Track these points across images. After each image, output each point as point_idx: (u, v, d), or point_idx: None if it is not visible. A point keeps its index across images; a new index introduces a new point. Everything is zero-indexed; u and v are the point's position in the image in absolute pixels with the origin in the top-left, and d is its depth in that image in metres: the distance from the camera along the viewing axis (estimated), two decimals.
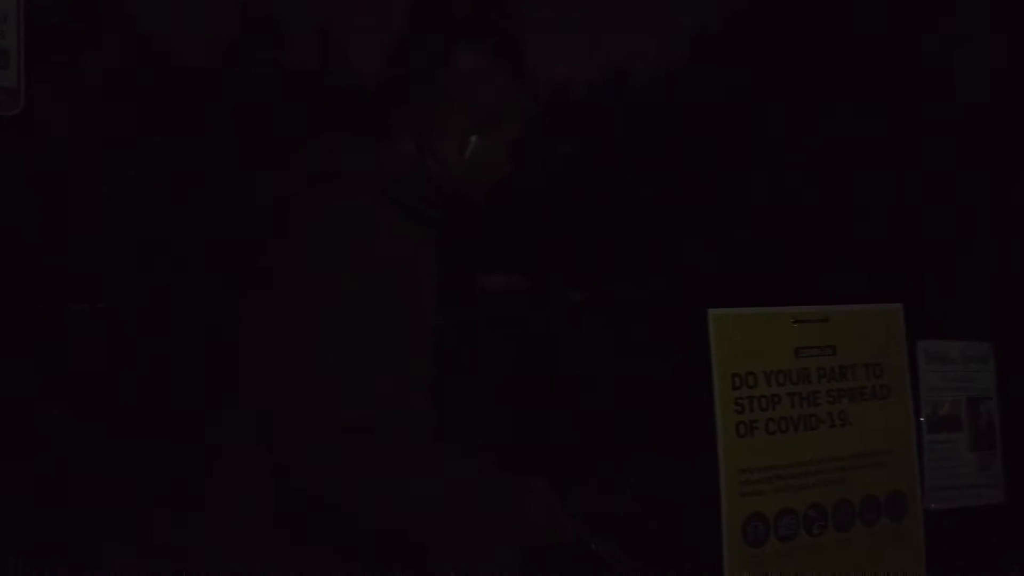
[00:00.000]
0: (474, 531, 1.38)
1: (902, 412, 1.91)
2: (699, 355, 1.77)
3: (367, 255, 1.28)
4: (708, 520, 1.74)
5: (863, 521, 1.84)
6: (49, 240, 11.64)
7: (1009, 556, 2.15)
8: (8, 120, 2.28)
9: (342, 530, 1.34)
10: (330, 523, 1.33)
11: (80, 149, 13.70)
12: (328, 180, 1.34)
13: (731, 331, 1.76)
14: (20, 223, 10.25)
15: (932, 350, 2.04)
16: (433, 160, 1.44)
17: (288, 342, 1.30)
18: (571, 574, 1.67)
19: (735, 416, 1.75)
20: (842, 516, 1.82)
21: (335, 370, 1.27)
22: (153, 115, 15.22)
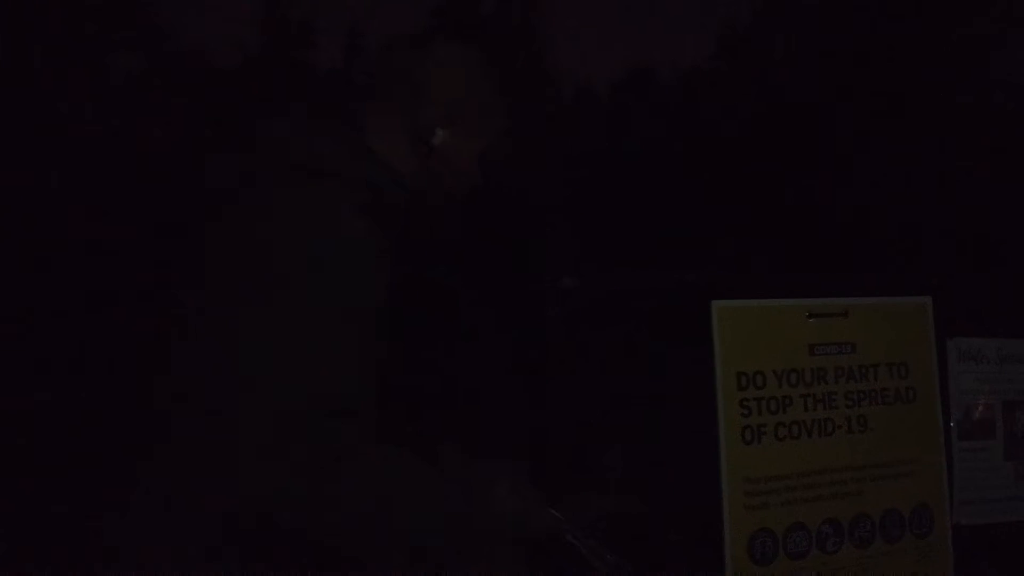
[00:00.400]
0: (436, 530, 1.27)
1: (930, 417, 1.73)
2: (703, 351, 1.60)
3: (344, 262, 1.25)
4: (714, 532, 1.58)
5: (884, 538, 1.66)
6: None
7: None
8: None
9: (292, 540, 1.23)
10: (280, 535, 1.23)
11: None
12: (313, 179, 1.30)
13: (737, 325, 1.58)
14: None
15: (964, 348, 1.84)
16: (400, 150, 1.41)
17: (255, 341, 1.23)
18: (549, 569, 1.49)
19: (741, 419, 1.57)
20: (860, 532, 1.64)
21: (298, 371, 1.21)
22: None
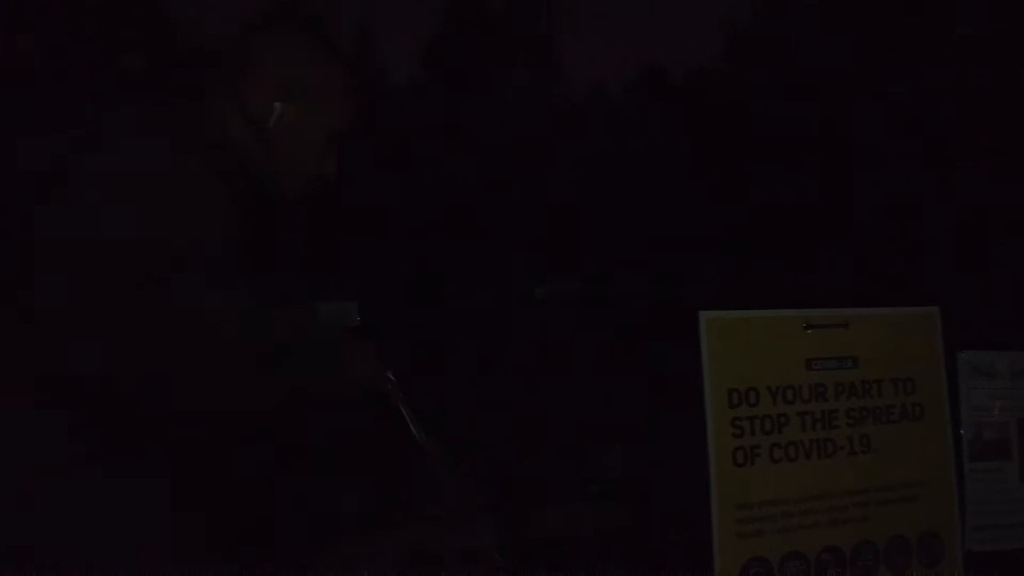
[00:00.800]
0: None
1: (938, 436, 1.60)
2: (690, 364, 1.48)
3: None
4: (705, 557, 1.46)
5: (889, 567, 1.54)
6: None
7: None
8: None
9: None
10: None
11: None
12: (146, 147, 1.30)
13: (728, 337, 1.46)
14: None
15: (976, 362, 1.71)
16: (239, 125, 1.42)
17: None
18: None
19: (732, 440, 1.45)
20: (863, 561, 1.52)
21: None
22: None
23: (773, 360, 1.49)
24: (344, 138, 1.48)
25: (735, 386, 1.46)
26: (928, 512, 1.58)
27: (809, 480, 1.50)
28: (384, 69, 17.71)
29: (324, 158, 1.47)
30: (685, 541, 1.65)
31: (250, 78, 1.41)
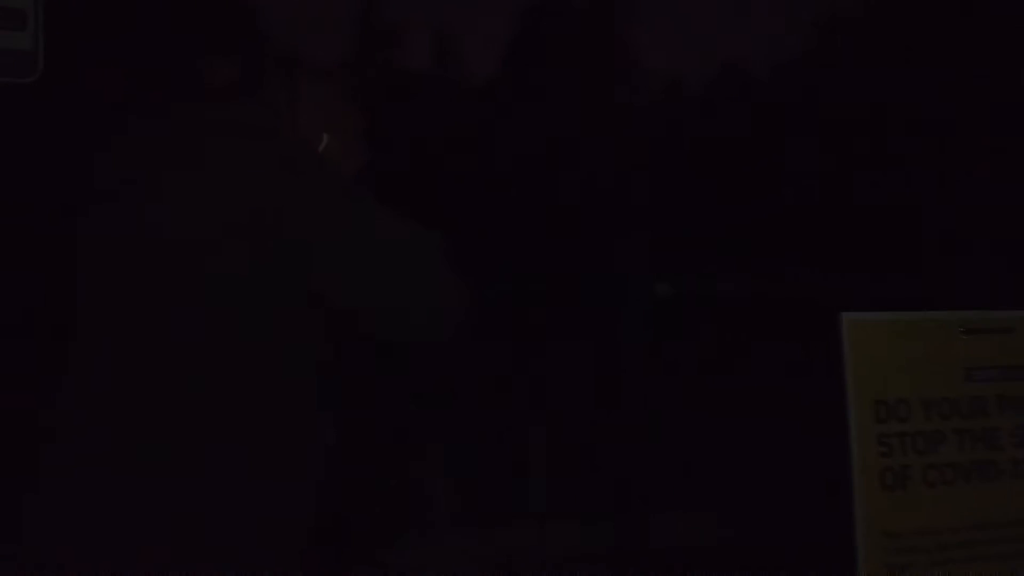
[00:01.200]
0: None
1: None
2: (828, 371, 1.31)
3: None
4: None
5: None
6: None
7: None
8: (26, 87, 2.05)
9: None
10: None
11: None
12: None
13: (875, 343, 1.29)
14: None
15: None
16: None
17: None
18: None
19: (879, 460, 1.28)
20: None
21: None
22: None
23: (926, 369, 1.31)
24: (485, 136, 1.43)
25: (883, 397, 1.29)
26: None
27: (968, 507, 1.31)
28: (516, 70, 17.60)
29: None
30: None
31: (303, 111, 1.39)
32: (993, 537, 1.32)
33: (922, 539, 1.29)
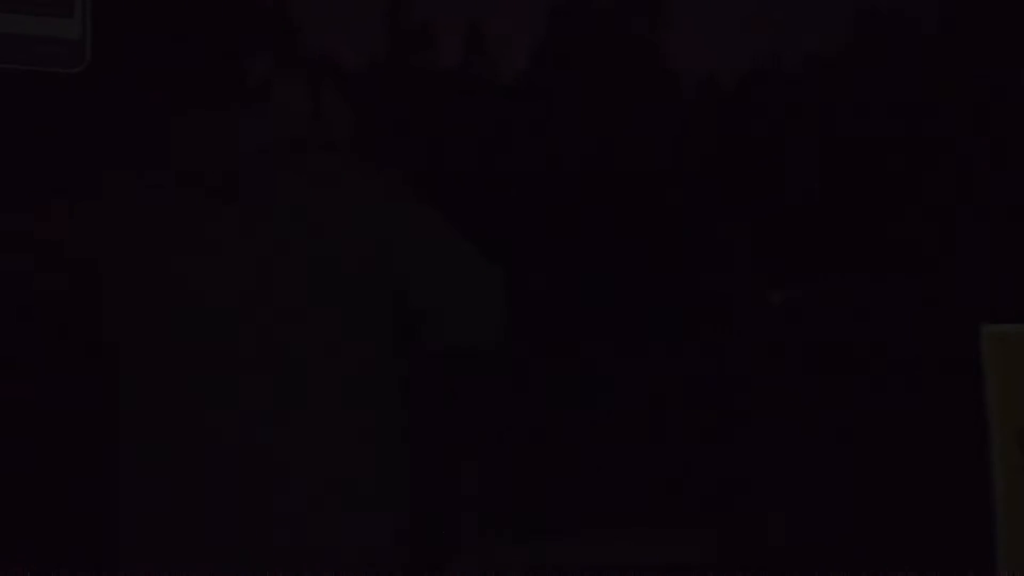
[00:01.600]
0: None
1: None
2: (960, 386, 1.16)
3: None
4: None
5: None
6: None
7: None
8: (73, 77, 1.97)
9: None
10: None
11: None
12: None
13: (1020, 359, 1.13)
14: None
15: None
16: None
17: None
18: None
19: None
20: None
21: None
22: None
23: None
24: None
25: None
26: None
27: None
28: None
29: None
30: None
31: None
32: None
33: None
